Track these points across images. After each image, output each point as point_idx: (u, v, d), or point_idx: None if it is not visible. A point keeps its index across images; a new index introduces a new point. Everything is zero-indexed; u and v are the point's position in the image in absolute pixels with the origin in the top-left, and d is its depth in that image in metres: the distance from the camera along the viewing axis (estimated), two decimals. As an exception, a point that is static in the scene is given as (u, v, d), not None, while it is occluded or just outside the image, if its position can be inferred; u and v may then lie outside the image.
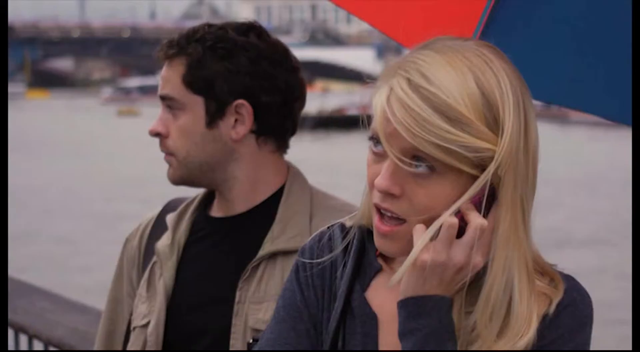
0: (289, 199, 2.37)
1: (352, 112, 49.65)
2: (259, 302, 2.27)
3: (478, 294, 1.60)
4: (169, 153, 2.39)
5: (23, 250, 17.39)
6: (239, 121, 2.35)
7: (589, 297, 1.64)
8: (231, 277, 2.31)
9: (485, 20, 2.27)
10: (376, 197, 1.60)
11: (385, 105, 1.56)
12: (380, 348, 1.67)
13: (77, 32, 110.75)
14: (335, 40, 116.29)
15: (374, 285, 1.71)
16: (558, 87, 2.29)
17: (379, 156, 1.60)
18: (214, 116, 2.35)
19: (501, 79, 1.59)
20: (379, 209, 1.61)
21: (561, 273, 1.65)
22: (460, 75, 1.57)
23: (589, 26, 2.19)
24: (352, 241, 1.73)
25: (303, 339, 1.69)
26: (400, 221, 1.60)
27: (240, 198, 2.38)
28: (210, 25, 2.39)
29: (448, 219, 1.56)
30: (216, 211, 2.43)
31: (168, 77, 2.37)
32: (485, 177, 1.56)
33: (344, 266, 1.71)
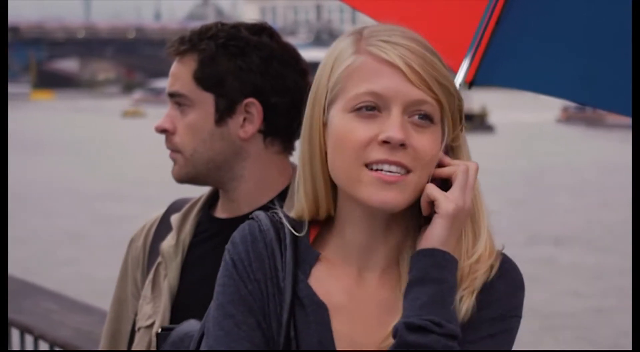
0: (293, 201, 2.36)
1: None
2: None
3: None
4: (175, 150, 2.38)
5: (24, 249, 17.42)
6: (248, 120, 2.35)
7: (517, 268, 1.74)
8: (235, 277, 2.30)
9: (487, 20, 2.28)
10: (383, 153, 1.66)
11: (394, 53, 1.67)
12: (337, 337, 1.69)
13: (82, 33, 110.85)
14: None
15: (315, 273, 1.74)
16: (570, 83, 2.30)
17: (369, 118, 1.67)
18: (223, 114, 2.35)
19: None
20: (374, 167, 1.66)
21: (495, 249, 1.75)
22: (413, 33, 1.72)
23: (601, 24, 2.21)
24: (284, 231, 1.75)
25: (256, 331, 1.70)
26: (404, 171, 1.67)
27: (245, 198, 2.38)
28: (222, 24, 2.39)
29: (470, 163, 1.70)
30: (220, 212, 2.43)
31: (178, 74, 2.37)
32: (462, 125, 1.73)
33: (282, 256, 1.73)
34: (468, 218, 1.70)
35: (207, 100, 2.35)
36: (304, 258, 1.74)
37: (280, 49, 2.38)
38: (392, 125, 1.65)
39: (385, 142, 1.65)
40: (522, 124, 45.82)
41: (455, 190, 1.68)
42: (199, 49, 2.35)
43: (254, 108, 2.35)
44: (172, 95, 2.38)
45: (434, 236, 1.67)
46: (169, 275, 2.38)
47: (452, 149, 1.74)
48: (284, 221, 1.76)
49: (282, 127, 2.38)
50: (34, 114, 63.02)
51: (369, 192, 1.67)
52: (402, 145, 1.65)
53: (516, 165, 31.14)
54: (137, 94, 79.94)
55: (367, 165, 1.67)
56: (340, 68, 1.71)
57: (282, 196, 2.38)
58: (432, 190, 1.68)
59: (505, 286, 1.70)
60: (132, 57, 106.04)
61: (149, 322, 2.39)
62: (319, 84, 1.73)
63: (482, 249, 1.69)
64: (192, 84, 2.35)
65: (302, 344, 1.68)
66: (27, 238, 18.86)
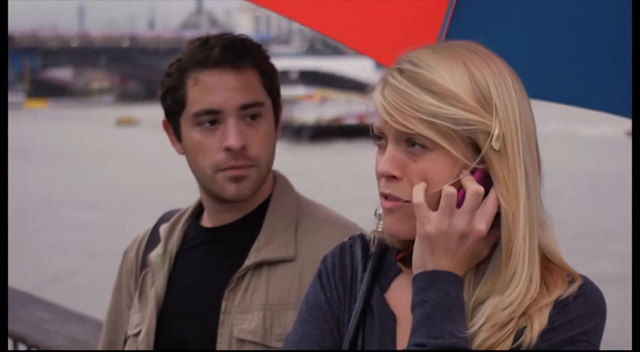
0: (276, 209, 2.38)
1: (350, 121, 49.69)
2: (244, 313, 2.28)
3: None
4: (252, 165, 2.32)
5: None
6: (277, 124, 2.40)
7: (600, 293, 1.72)
8: (218, 287, 2.33)
9: (449, 21, 2.28)
10: (381, 185, 1.72)
11: (380, 94, 1.69)
12: (399, 344, 1.74)
13: (76, 42, 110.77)
14: (334, 49, 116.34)
15: (393, 286, 1.80)
16: (539, 82, 2.30)
17: (383, 148, 1.72)
18: (277, 118, 2.39)
19: (491, 63, 1.71)
20: (384, 196, 1.72)
21: (577, 273, 1.74)
22: (448, 59, 1.69)
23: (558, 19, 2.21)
24: (372, 249, 1.83)
25: (327, 337, 1.79)
26: (401, 200, 1.70)
27: (242, 205, 2.38)
28: (224, 34, 2.39)
29: (446, 188, 1.66)
30: (207, 221, 2.44)
31: (249, 84, 2.32)
32: (485, 149, 1.66)
33: (365, 270, 1.81)
34: (464, 240, 1.67)
35: (269, 107, 2.36)
36: (386, 272, 1.81)
37: None
38: (383, 158, 1.71)
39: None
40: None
41: (439, 212, 1.67)
42: (255, 59, 2.33)
43: (279, 111, 2.40)
44: (250, 106, 2.30)
45: (414, 260, 1.70)
46: (156, 283, 2.40)
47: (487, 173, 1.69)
48: (372, 237, 1.82)
49: None
50: (27, 122, 62.92)
51: (384, 217, 1.75)
52: (394, 177, 1.69)
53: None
54: None
55: None
56: None
57: (266, 204, 2.39)
58: (418, 209, 1.67)
59: (580, 308, 1.68)
60: (126, 65, 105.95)
61: (136, 330, 2.41)
62: None
63: (516, 286, 1.67)
64: (264, 92, 2.34)
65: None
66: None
